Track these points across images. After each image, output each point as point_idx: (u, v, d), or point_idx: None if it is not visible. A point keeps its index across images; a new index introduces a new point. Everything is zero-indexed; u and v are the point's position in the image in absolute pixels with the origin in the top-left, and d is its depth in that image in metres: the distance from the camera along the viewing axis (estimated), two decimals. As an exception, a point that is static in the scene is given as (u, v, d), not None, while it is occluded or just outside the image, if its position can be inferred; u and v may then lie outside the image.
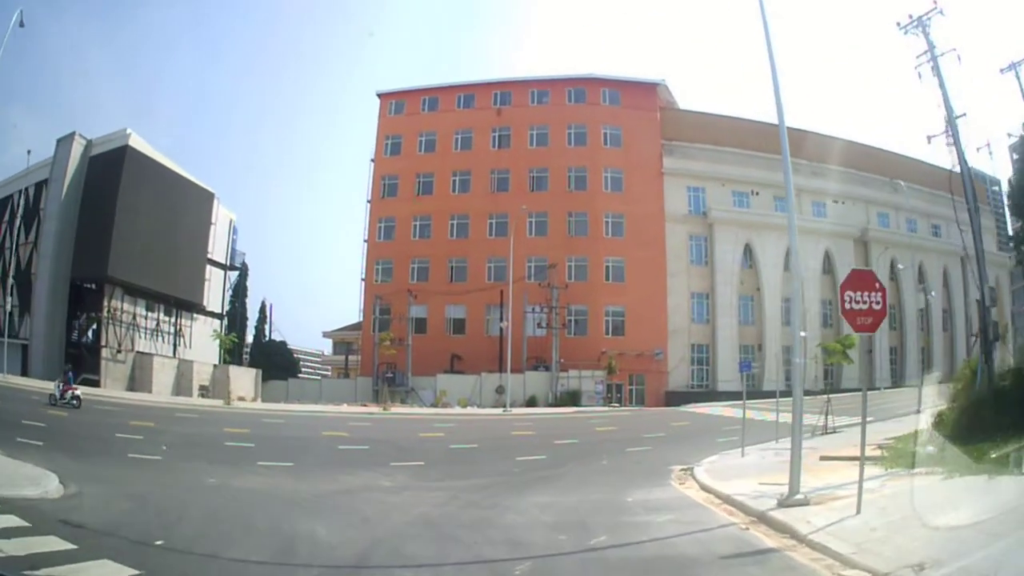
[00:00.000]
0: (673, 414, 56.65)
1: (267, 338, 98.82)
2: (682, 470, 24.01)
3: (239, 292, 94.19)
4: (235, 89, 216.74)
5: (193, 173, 72.64)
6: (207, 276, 73.66)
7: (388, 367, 75.72)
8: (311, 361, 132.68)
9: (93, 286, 62.17)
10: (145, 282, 63.54)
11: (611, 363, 72.85)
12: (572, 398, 70.06)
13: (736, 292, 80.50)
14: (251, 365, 77.94)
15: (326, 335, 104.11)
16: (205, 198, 73.47)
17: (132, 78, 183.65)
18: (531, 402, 69.80)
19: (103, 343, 60.48)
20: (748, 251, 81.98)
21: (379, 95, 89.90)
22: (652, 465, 26.22)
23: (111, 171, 62.28)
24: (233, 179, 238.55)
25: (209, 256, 74.97)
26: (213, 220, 74.56)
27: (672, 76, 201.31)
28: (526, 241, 75.13)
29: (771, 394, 45.22)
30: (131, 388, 59.80)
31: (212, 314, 75.15)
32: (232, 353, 79.83)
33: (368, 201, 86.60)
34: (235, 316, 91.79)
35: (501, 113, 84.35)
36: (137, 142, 64.48)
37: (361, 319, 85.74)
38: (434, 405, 68.12)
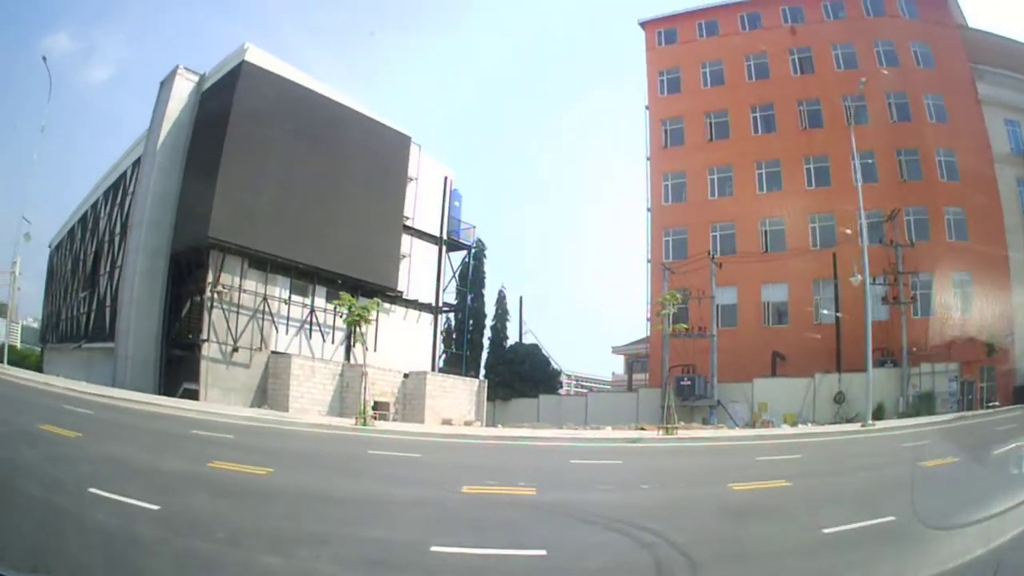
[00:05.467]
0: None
1: (514, 340, 73.62)
2: None
3: (475, 279, 70.94)
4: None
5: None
6: (407, 251, 52.27)
7: (685, 370, 54.88)
8: (593, 387, 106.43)
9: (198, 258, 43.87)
10: (281, 250, 43.59)
11: (991, 344, 51.00)
12: (926, 403, 50.09)
13: (1072, 256, 59.82)
14: (487, 376, 59.32)
15: (616, 351, 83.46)
16: (395, 142, 52.05)
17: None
18: (878, 413, 48.21)
19: (204, 336, 41.10)
20: (1077, 203, 62.18)
21: (642, 24, 70.74)
22: None
23: (223, 100, 44.14)
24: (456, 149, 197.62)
25: (409, 223, 52.54)
26: (413, 174, 53.02)
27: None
28: (850, 189, 52.00)
29: None
30: (259, 403, 41.16)
31: (419, 305, 53.83)
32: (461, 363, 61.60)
33: (648, 158, 67.20)
34: (464, 311, 68.36)
35: (796, 32, 64.88)
36: (259, 57, 45.05)
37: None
38: (749, 424, 50.03)
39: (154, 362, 43.35)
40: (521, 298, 75.34)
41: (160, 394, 38.88)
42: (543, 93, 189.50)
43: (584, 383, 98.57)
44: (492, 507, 14.94)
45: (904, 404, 51.44)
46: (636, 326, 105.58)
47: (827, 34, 64.21)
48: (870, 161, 58.52)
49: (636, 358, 74.56)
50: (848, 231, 50.91)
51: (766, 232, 61.19)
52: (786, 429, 43.05)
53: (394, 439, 30.50)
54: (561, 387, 77.67)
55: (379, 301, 42.90)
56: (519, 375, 64.62)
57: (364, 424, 34.25)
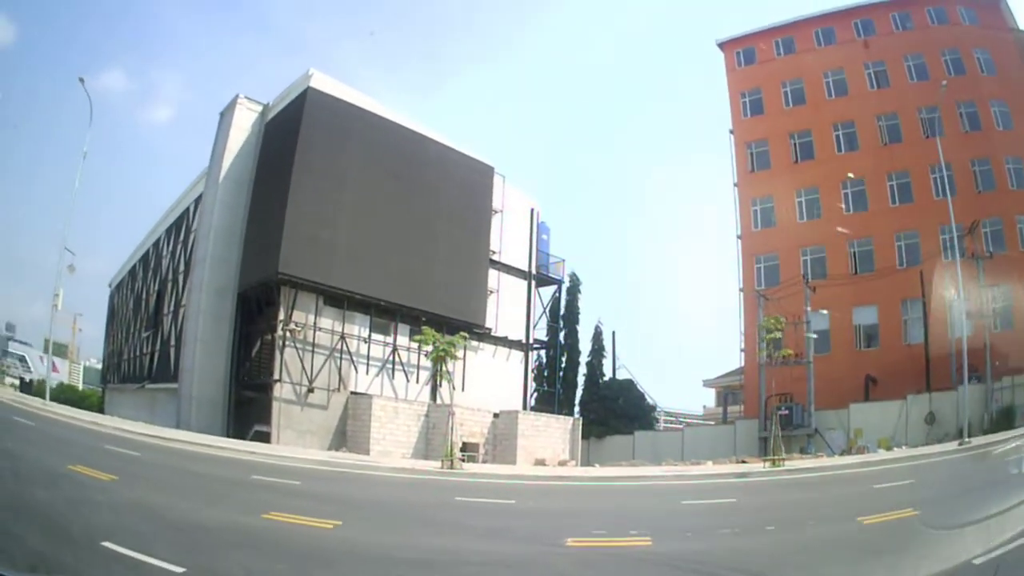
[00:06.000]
0: None
1: (608, 376, 69.81)
2: None
3: (568, 315, 67.56)
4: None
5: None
6: (494, 286, 51.07)
7: (782, 399, 51.55)
8: (687, 421, 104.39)
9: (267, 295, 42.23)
10: (359, 286, 41.62)
11: None
12: (1007, 417, 47.48)
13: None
14: (582, 413, 59.32)
15: (707, 384, 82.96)
16: (477, 172, 50.49)
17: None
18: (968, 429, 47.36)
19: (276, 377, 39.15)
20: None
21: (720, 45, 69.61)
22: None
23: (289, 129, 42.86)
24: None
25: (495, 257, 51.35)
26: (498, 207, 52.18)
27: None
28: (932, 204, 54.46)
29: None
30: (338, 446, 39.10)
31: (508, 342, 51.88)
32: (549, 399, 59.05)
33: (735, 184, 65.94)
34: (555, 347, 65.35)
35: (869, 45, 63.43)
36: (325, 83, 43.38)
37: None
38: (846, 451, 47.78)
39: (222, 403, 41.81)
40: (614, 333, 73.26)
41: (229, 436, 37.15)
42: (626, 121, 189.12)
43: (676, 418, 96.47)
44: (605, 564, 12.88)
45: (988, 420, 48.51)
46: (725, 358, 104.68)
47: (898, 46, 62.67)
48: (949, 173, 55.60)
49: (729, 390, 72.64)
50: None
51: (854, 253, 59.12)
52: (883, 454, 41.35)
53: (484, 483, 28.92)
54: (658, 422, 74.76)
55: (465, 335, 39.20)
56: (613, 411, 62.53)
57: (451, 467, 31.86)
